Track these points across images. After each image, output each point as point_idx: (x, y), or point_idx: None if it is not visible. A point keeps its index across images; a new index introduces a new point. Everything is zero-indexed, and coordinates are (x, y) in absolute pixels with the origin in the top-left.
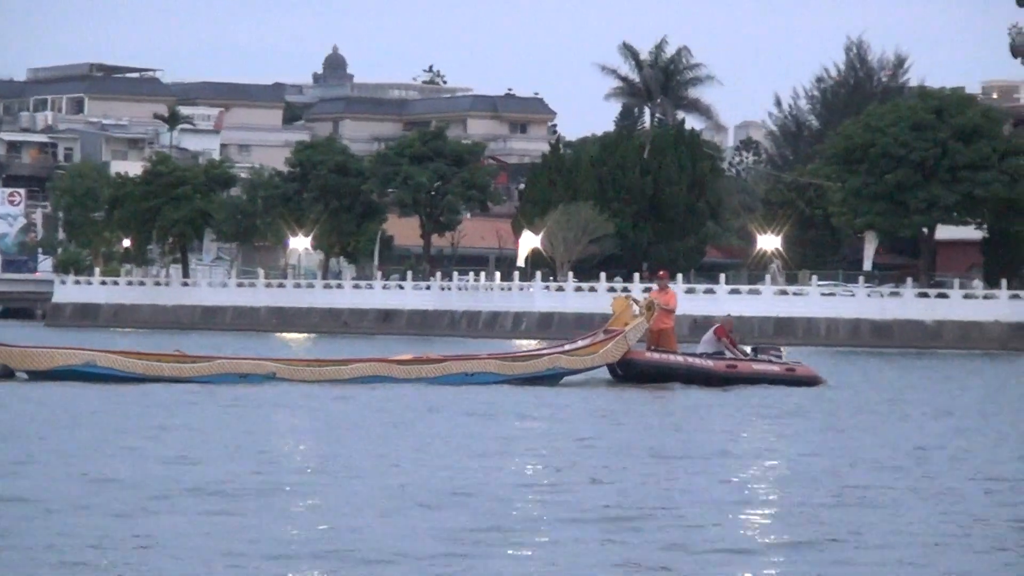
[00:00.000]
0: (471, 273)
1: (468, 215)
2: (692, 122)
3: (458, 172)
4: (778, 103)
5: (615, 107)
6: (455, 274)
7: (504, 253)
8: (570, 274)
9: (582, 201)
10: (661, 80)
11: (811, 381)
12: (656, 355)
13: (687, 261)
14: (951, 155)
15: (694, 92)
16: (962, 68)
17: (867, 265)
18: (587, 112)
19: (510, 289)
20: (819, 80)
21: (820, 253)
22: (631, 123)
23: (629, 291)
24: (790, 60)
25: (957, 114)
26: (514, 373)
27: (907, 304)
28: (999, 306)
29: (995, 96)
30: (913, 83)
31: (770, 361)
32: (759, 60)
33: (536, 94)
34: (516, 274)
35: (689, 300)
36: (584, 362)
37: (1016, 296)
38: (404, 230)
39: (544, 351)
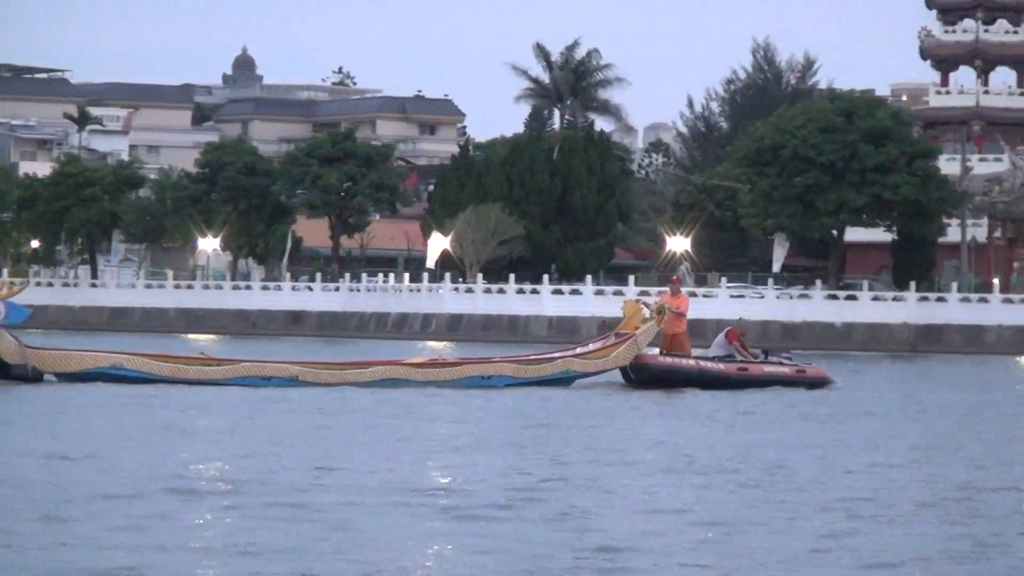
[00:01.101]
0: (380, 274)
1: (377, 216)
2: (602, 124)
3: (367, 173)
4: (689, 105)
5: (525, 109)
6: (364, 275)
7: (413, 254)
8: (479, 276)
9: (491, 203)
10: (571, 82)
11: (821, 382)
12: (668, 359)
13: (596, 263)
14: (860, 157)
15: (604, 94)
16: (871, 71)
17: (776, 267)
18: (497, 114)
19: (419, 291)
20: (728, 82)
21: (729, 255)
22: (541, 125)
23: (538, 292)
24: (700, 62)
25: (867, 116)
26: (528, 376)
27: (816, 306)
28: (907, 308)
29: (904, 99)
30: (822, 85)
31: (780, 363)
32: (669, 62)
33: (446, 96)
34: (425, 275)
35: (598, 301)
36: (596, 365)
37: (924, 298)
38: (313, 231)
39: (557, 354)
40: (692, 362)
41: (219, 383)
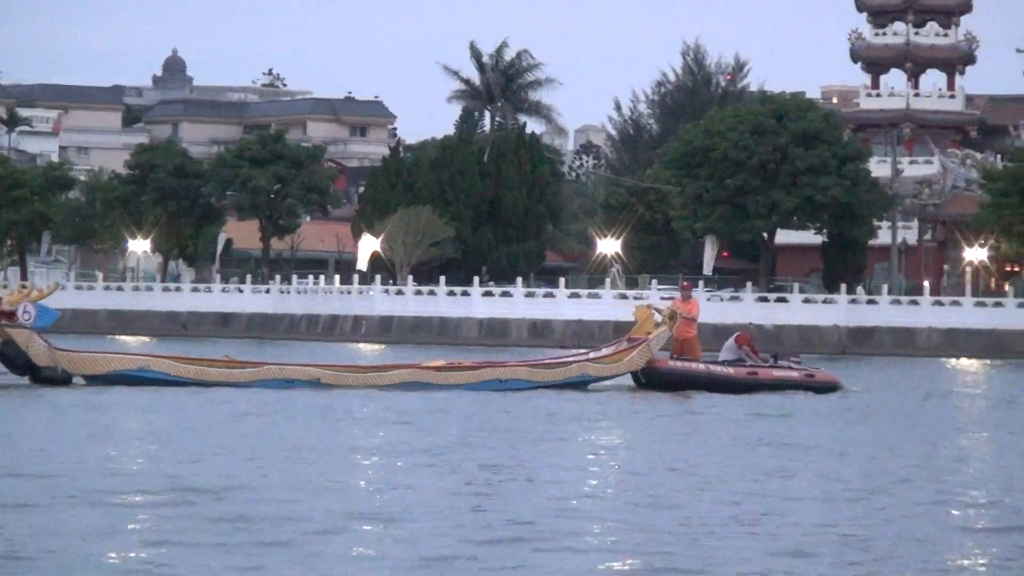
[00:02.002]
0: (310, 276)
1: (308, 218)
2: (532, 125)
3: (297, 175)
4: (618, 107)
5: (456, 110)
6: (294, 277)
7: (344, 256)
8: (410, 277)
9: (422, 204)
10: (502, 83)
11: (830, 387)
12: (678, 363)
13: (527, 265)
14: (791, 160)
15: (535, 95)
16: (802, 73)
17: (707, 269)
18: (428, 115)
19: (349, 292)
20: (659, 84)
21: (660, 257)
22: (471, 126)
23: (469, 294)
24: (631, 64)
25: (797, 119)
26: (544, 380)
27: (747, 308)
28: (838, 311)
29: (835, 101)
30: (753, 88)
31: (790, 368)
32: (600, 64)
33: (376, 97)
34: (355, 277)
35: (529, 304)
36: (610, 369)
37: (855, 301)
38: (243, 233)
39: (572, 359)
40: (701, 366)
41: (242, 385)
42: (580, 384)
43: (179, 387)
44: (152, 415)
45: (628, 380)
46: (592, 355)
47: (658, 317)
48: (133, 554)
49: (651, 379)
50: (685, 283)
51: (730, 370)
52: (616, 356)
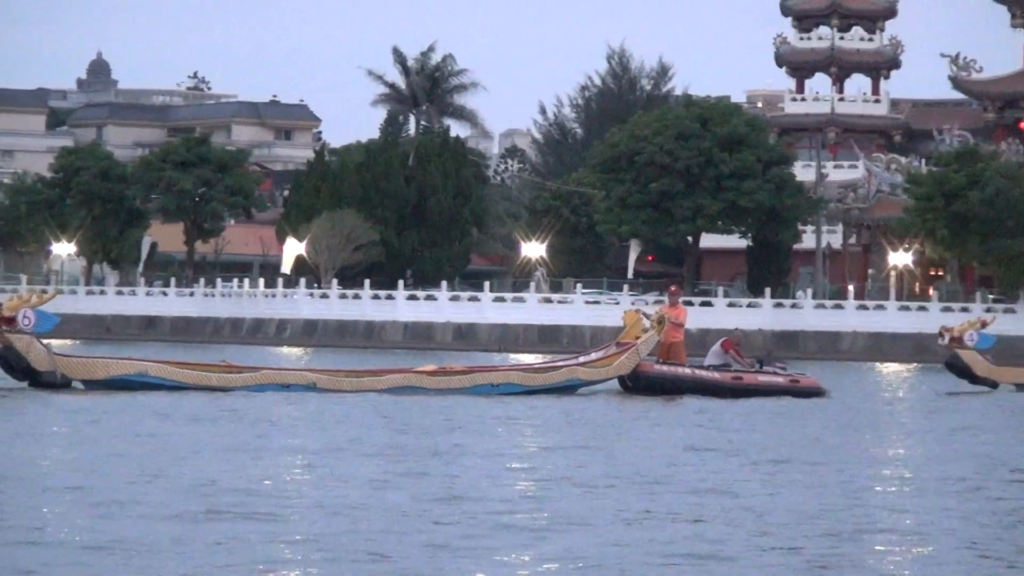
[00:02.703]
0: (235, 280)
1: (232, 221)
2: (457, 129)
3: (222, 178)
4: (542, 111)
5: (381, 114)
6: (219, 280)
7: (268, 260)
8: (334, 281)
9: (346, 208)
10: (427, 87)
11: (815, 392)
12: (665, 367)
13: (452, 268)
14: (716, 164)
15: (460, 99)
16: (727, 77)
17: (631, 273)
18: (353, 119)
19: (274, 296)
20: (583, 88)
21: (585, 261)
22: (396, 130)
23: (393, 297)
24: (556, 68)
25: (722, 123)
26: (535, 384)
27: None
28: (762, 315)
29: (760, 105)
30: (677, 92)
31: (775, 373)
32: (525, 68)
33: (301, 101)
34: (280, 281)
35: (454, 307)
36: (599, 374)
37: (779, 305)
38: (168, 236)
39: (561, 363)
40: (688, 371)
41: (240, 390)
42: (570, 388)
43: (177, 392)
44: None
45: (615, 384)
46: (582, 359)
47: (646, 322)
48: None
49: (638, 383)
50: (673, 288)
51: (716, 375)
52: (605, 360)
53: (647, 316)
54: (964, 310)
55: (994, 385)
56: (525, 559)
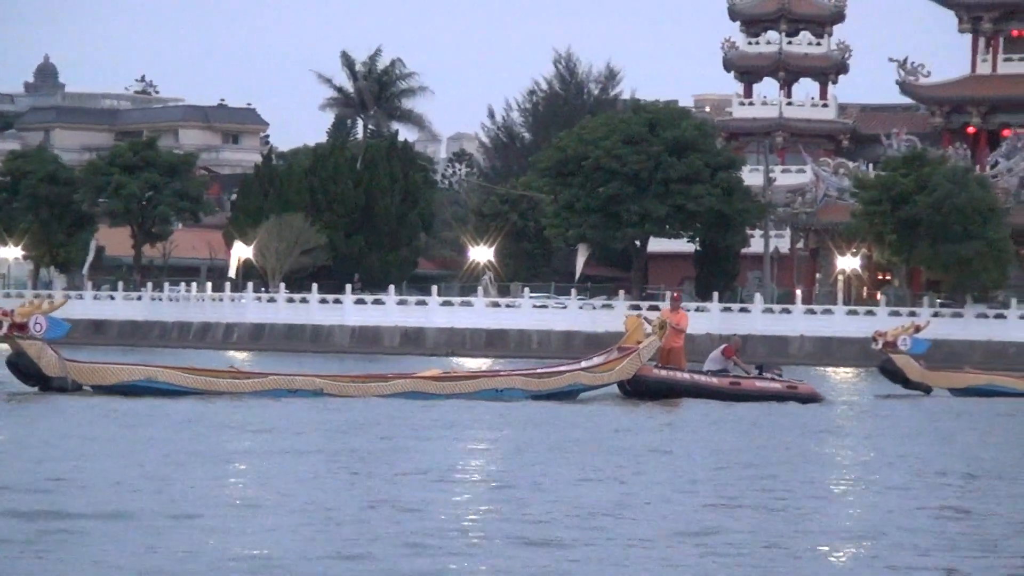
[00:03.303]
0: (182, 284)
1: (180, 225)
2: (405, 133)
3: (170, 182)
4: (490, 115)
5: (329, 117)
6: (166, 284)
7: (216, 264)
8: (282, 285)
9: (294, 212)
10: (375, 91)
11: (812, 398)
12: (664, 372)
13: (399, 272)
14: (664, 168)
15: (408, 103)
16: (675, 82)
17: (579, 277)
18: (301, 123)
19: (221, 300)
20: (531, 93)
21: (533, 265)
22: (344, 134)
23: (341, 301)
24: (504, 72)
25: (670, 127)
26: (538, 389)
27: (619, 316)
28: (710, 319)
29: (708, 110)
30: (625, 96)
31: (772, 379)
32: (473, 72)
33: (249, 105)
34: (227, 285)
35: (401, 311)
36: (601, 378)
37: (727, 309)
38: (115, 240)
39: (564, 368)
40: (687, 376)
41: (248, 395)
42: (572, 393)
43: (185, 397)
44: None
45: (615, 389)
46: (584, 364)
47: (648, 327)
48: None
49: (637, 388)
50: (675, 294)
51: (714, 380)
52: (607, 365)
53: (649, 321)
54: (912, 314)
55: (928, 390)
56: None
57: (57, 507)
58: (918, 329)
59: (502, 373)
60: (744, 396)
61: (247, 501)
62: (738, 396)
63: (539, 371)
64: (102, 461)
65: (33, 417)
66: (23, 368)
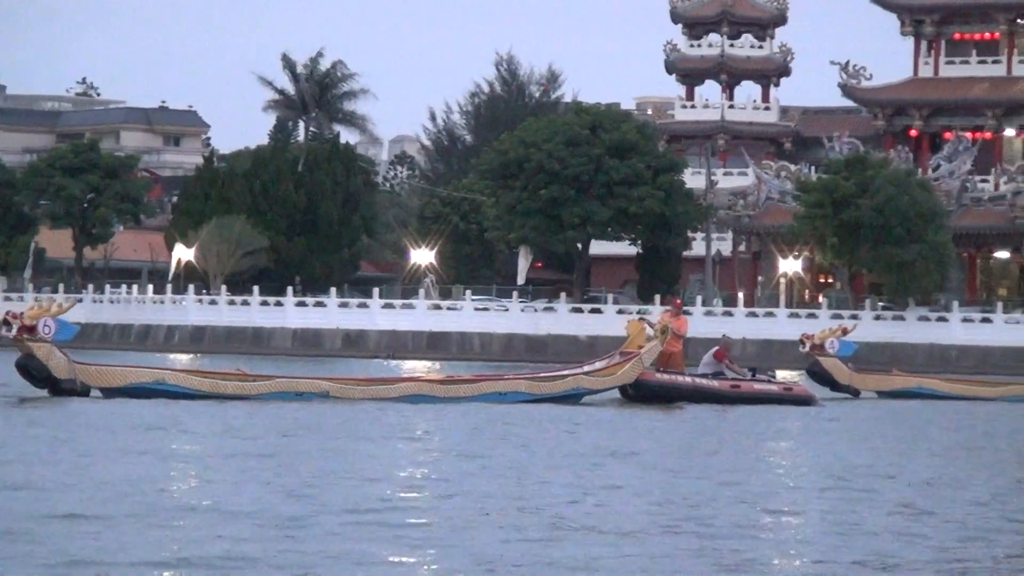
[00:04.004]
0: (124, 286)
1: (121, 228)
2: (347, 136)
3: (111, 184)
4: (432, 118)
5: (270, 120)
6: (107, 287)
7: (157, 266)
8: (223, 287)
9: (236, 214)
10: (316, 93)
11: (807, 400)
12: (667, 376)
13: (341, 275)
14: (606, 171)
15: (349, 105)
16: (617, 84)
17: (521, 280)
18: (242, 125)
19: (163, 302)
20: (473, 95)
21: (474, 268)
22: (286, 136)
23: (282, 304)
24: (446, 75)
25: (612, 130)
26: (541, 392)
27: (561, 319)
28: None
29: (650, 112)
30: (567, 99)
31: (769, 381)
32: (415, 74)
33: (190, 107)
34: (169, 287)
35: (343, 314)
36: (603, 382)
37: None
38: (56, 242)
39: (567, 372)
40: (688, 379)
41: (255, 398)
42: (575, 397)
43: (193, 399)
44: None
45: (615, 392)
46: (586, 368)
47: (650, 331)
48: None
49: (640, 391)
50: (677, 300)
51: (715, 383)
52: (610, 370)
53: (651, 325)
54: (854, 317)
55: (856, 393)
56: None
57: None
58: (845, 332)
59: (506, 377)
60: (743, 399)
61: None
62: (738, 399)
63: (542, 375)
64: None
65: None
66: (33, 371)
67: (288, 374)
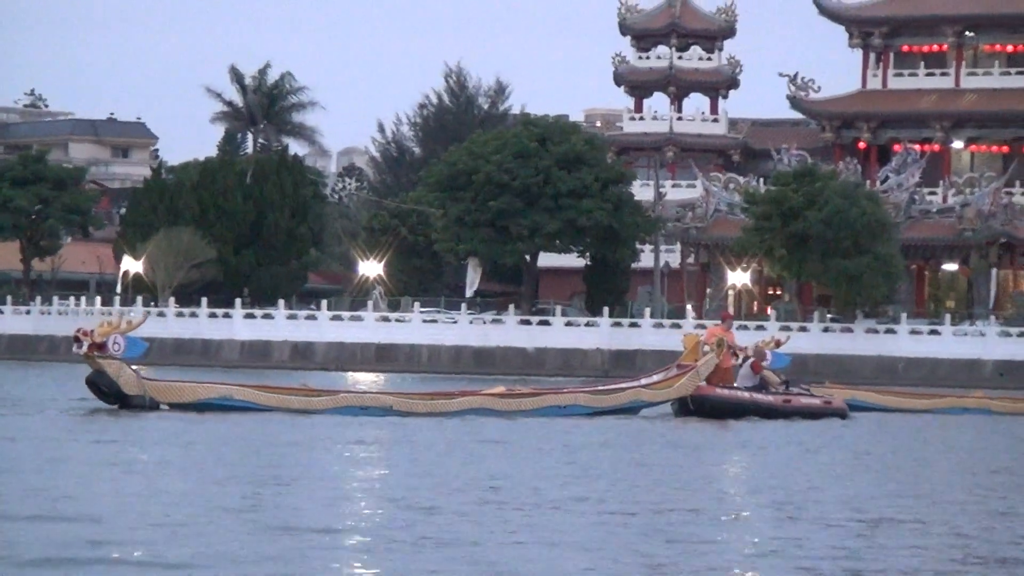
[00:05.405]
0: (72, 298)
1: (69, 239)
2: (295, 147)
3: (59, 196)
4: (380, 129)
5: (219, 131)
6: (55, 299)
7: (105, 278)
8: (171, 299)
9: (184, 226)
10: (265, 105)
11: (843, 413)
12: (726, 391)
13: (289, 287)
14: (554, 183)
15: (298, 117)
16: (565, 96)
17: (469, 292)
18: (191, 136)
19: (111, 314)
20: (421, 107)
21: (423, 279)
22: (234, 148)
23: (231, 316)
24: (394, 86)
25: (560, 142)
26: (601, 406)
27: (509, 331)
28: (600, 334)
29: (598, 124)
30: (515, 110)
31: (812, 395)
32: (363, 86)
33: (138, 118)
34: (117, 299)
35: (291, 326)
36: (661, 395)
37: (618, 324)
38: (4, 254)
39: (626, 385)
40: (747, 394)
41: (320, 412)
42: (633, 409)
43: (261, 414)
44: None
45: (667, 408)
46: (644, 382)
47: (706, 347)
48: None
49: (701, 407)
50: (724, 314)
51: (770, 398)
52: (667, 383)
53: (706, 343)
54: (802, 329)
55: None
56: None
57: None
58: (779, 344)
59: (566, 390)
60: (795, 413)
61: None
62: (790, 412)
63: (600, 388)
64: None
65: None
66: (103, 387)
67: (353, 389)
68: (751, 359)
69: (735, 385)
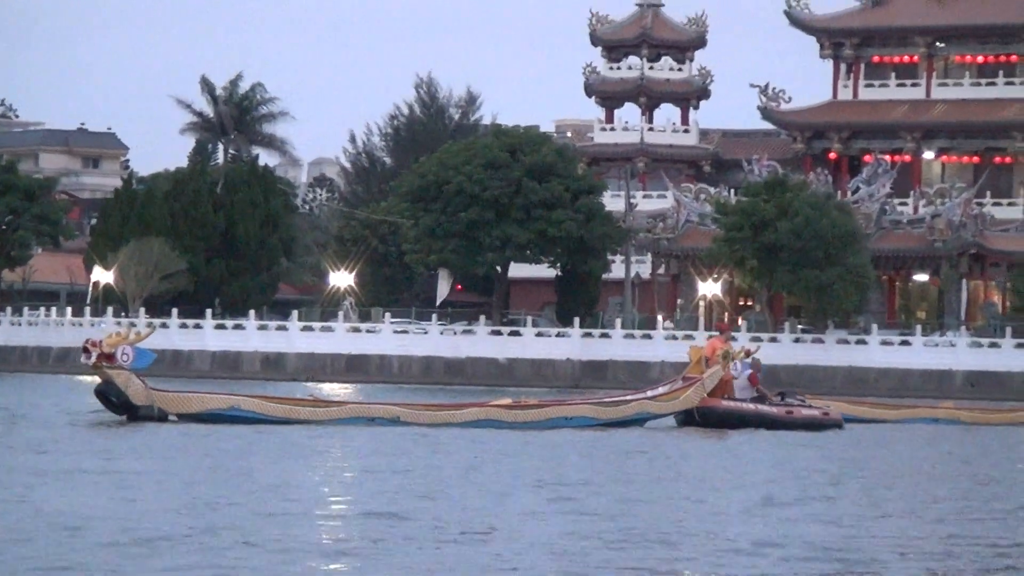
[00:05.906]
0: (42, 308)
1: (40, 250)
2: (266, 158)
3: (30, 207)
4: (352, 140)
5: (189, 142)
6: (26, 309)
7: (76, 288)
8: (142, 309)
9: (154, 236)
10: (235, 115)
11: (840, 424)
12: (732, 403)
13: (260, 297)
14: (525, 193)
15: (269, 128)
16: (536, 107)
17: (440, 303)
18: (161, 147)
19: (81, 325)
20: (392, 117)
21: (394, 290)
22: (205, 158)
23: (201, 326)
24: (365, 97)
25: (531, 153)
26: (607, 417)
27: (480, 342)
28: (571, 344)
29: (569, 135)
30: (486, 121)
31: (810, 407)
32: (334, 97)
33: (109, 129)
34: (87, 310)
35: (262, 336)
36: (667, 407)
37: (588, 334)
38: None
39: (631, 397)
40: (751, 406)
41: (327, 423)
42: (639, 421)
43: (268, 425)
44: None
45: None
46: (650, 394)
47: (719, 353)
48: None
49: (708, 418)
50: (721, 325)
51: (774, 409)
52: (673, 394)
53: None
54: (773, 340)
55: None
56: None
57: None
58: (749, 354)
59: (572, 402)
60: (797, 423)
61: None
62: (791, 424)
63: (607, 400)
64: None
65: None
66: (112, 397)
67: (360, 400)
68: (749, 371)
69: (736, 397)
